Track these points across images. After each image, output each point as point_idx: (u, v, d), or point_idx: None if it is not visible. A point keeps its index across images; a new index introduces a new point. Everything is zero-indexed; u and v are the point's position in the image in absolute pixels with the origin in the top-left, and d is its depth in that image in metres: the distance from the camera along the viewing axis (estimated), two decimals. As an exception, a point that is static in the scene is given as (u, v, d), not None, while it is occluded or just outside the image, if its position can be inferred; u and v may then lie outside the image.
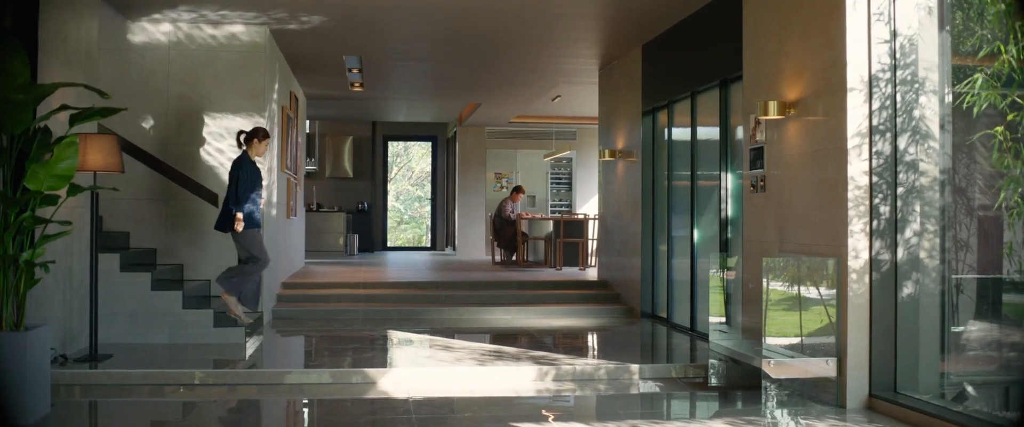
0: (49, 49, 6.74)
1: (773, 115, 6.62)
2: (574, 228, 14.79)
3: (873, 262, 5.84)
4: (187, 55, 9.28)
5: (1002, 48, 5.35)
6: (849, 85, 5.86)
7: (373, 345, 8.36)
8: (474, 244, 18.56)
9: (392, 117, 18.95)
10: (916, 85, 5.86)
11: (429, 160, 21.98)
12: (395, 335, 8.90)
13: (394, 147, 23.32)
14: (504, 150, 19.11)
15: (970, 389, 5.77)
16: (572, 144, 18.68)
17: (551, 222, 15.19)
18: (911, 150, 5.85)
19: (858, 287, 5.84)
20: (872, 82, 5.87)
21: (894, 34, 5.88)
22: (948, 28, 5.86)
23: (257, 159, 8.26)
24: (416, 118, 19.31)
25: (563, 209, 19.10)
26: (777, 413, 5.89)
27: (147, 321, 7.97)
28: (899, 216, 5.85)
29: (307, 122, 16.91)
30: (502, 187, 18.99)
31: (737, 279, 7.60)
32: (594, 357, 8.08)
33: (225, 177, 9.23)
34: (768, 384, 6.03)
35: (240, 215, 7.96)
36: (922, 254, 5.83)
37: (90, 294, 7.15)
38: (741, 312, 7.42)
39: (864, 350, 5.84)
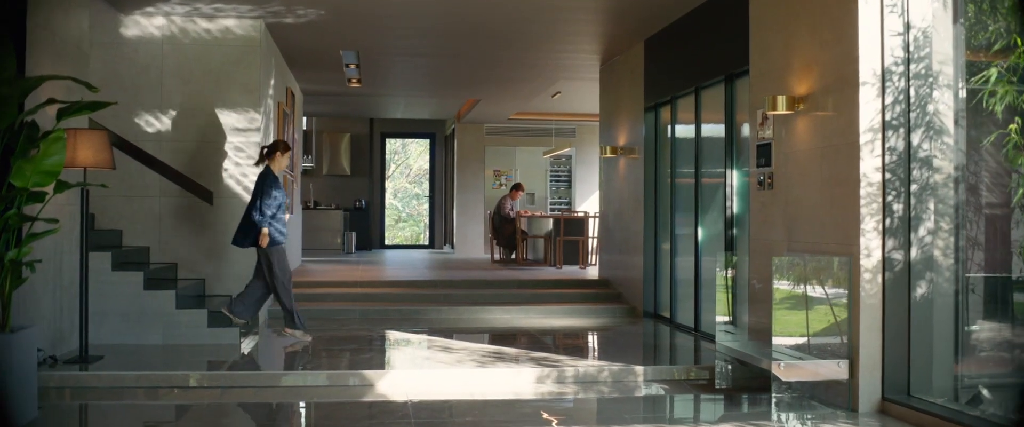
0: (37, 42, 6.55)
1: (781, 110, 6.44)
2: (574, 226, 14.63)
3: (886, 261, 5.67)
4: (181, 49, 9.10)
5: (1018, 41, 5.18)
6: (861, 79, 5.68)
7: (371, 346, 8.19)
8: (473, 242, 18.42)
9: (390, 114, 18.80)
10: (930, 79, 5.69)
11: (427, 157, 21.85)
12: (393, 335, 8.74)
13: (392, 144, 23.17)
14: (503, 147, 18.98)
15: (985, 392, 5.61)
16: (572, 141, 18.53)
17: (551, 220, 15.03)
18: (925, 146, 5.68)
19: (870, 287, 5.67)
20: (885, 76, 5.69)
21: (907, 27, 5.71)
22: (962, 20, 5.69)
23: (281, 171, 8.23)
24: (414, 115, 19.17)
25: (562, 207, 18.94)
26: (786, 417, 5.73)
27: (140, 321, 7.79)
28: (912, 214, 5.68)
29: (304, 119, 16.74)
30: (501, 184, 18.84)
31: (743, 278, 7.43)
32: (597, 358, 7.92)
33: (220, 173, 9.07)
34: (777, 387, 5.86)
35: (266, 230, 7.87)
36: (936, 253, 5.66)
37: (80, 293, 6.97)
38: (747, 312, 7.25)
39: (877, 352, 5.67)
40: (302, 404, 6.23)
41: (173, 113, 9.08)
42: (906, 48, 5.71)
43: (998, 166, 5.62)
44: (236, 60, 9.19)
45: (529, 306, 10.38)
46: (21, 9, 6.39)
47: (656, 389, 6.60)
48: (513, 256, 15.52)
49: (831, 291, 5.87)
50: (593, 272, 13.18)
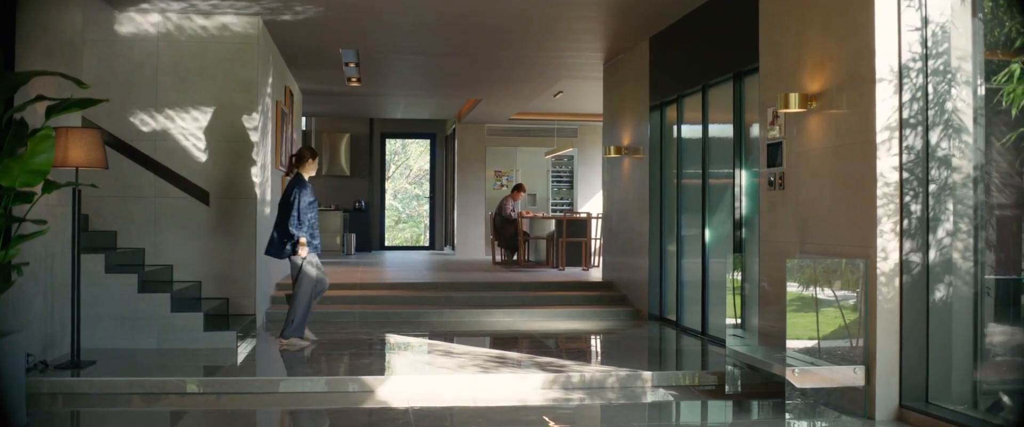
0: (28, 38, 6.36)
1: (794, 108, 6.26)
2: (577, 227, 14.44)
3: (903, 264, 5.48)
4: (176, 46, 8.91)
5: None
6: (878, 75, 5.49)
7: (371, 350, 8.01)
8: (473, 243, 18.24)
9: (390, 114, 18.64)
10: (949, 75, 5.50)
11: (428, 158, 21.69)
12: (393, 339, 8.55)
13: (392, 144, 23.02)
14: (504, 147, 18.82)
15: (1006, 398, 5.43)
16: (574, 141, 18.36)
17: (553, 221, 14.84)
18: (943, 144, 5.49)
19: (887, 290, 5.48)
20: (902, 72, 5.51)
21: (925, 21, 5.52)
22: (981, 15, 5.50)
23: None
24: (414, 115, 19.01)
25: (564, 208, 18.77)
26: (800, 424, 5.54)
27: (134, 325, 7.60)
28: (931, 215, 5.49)
29: (303, 119, 16.56)
30: (502, 185, 18.67)
31: (753, 281, 7.25)
32: (603, 363, 7.73)
33: (215, 173, 8.88)
34: (791, 393, 5.68)
35: (304, 239, 7.74)
36: (955, 255, 5.47)
37: (72, 296, 6.77)
38: (757, 315, 7.06)
39: (894, 357, 5.48)
40: (300, 410, 6.04)
41: (169, 112, 8.88)
42: (924, 43, 5.52)
43: (1012, 167, 5.44)
44: (233, 58, 9.00)
45: (532, 309, 10.19)
46: (11, 5, 6.20)
47: (664, 395, 6.41)
48: (515, 258, 15.34)
49: (846, 294, 5.68)
50: (596, 274, 12.99)
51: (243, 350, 7.71)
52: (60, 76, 5.74)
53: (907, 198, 5.49)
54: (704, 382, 6.64)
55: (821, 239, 6.10)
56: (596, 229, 14.52)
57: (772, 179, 6.81)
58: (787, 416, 5.63)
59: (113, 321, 7.57)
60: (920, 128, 5.51)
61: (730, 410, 6.08)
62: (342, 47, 10.84)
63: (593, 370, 6.82)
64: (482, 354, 7.76)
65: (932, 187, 5.49)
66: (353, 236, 18.38)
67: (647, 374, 6.64)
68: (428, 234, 21.46)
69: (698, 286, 8.66)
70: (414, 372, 6.98)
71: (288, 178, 8.12)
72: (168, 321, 7.64)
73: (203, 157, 8.91)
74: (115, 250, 8.31)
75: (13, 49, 6.05)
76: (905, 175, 5.49)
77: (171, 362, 7.17)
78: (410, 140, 23.11)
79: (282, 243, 7.86)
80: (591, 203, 18.35)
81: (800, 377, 5.52)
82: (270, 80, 9.97)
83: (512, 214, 15.22)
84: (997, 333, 5.55)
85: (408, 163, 25.62)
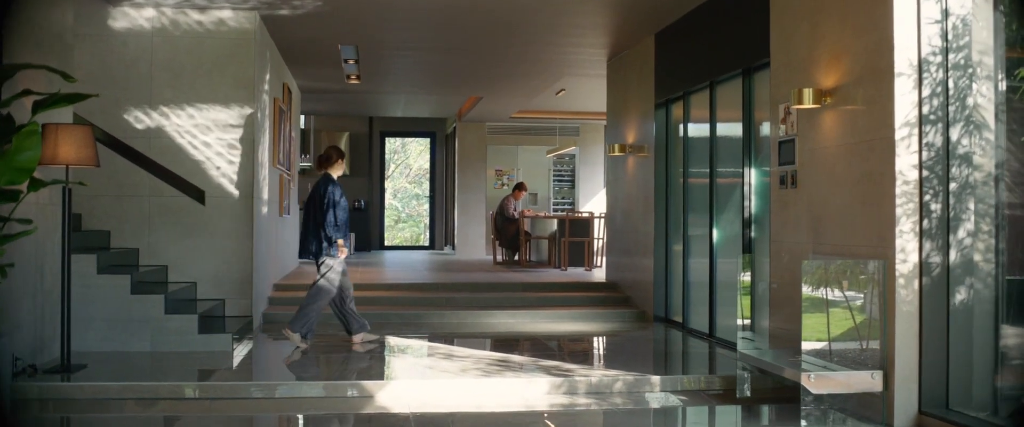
0: (17, 32, 6.15)
1: (807, 104, 6.06)
2: (579, 227, 14.25)
3: (923, 265, 5.28)
4: (172, 42, 8.71)
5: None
6: (897, 69, 5.29)
7: (370, 353, 7.81)
8: (474, 243, 18.05)
9: (390, 112, 18.46)
10: (970, 70, 5.30)
11: (428, 156, 21.51)
12: (393, 341, 8.35)
13: (392, 143, 22.84)
14: (505, 146, 18.65)
15: (1029, 405, 5.23)
16: (575, 140, 18.17)
17: (555, 221, 14.65)
18: (964, 141, 5.30)
19: (906, 293, 5.28)
20: (922, 66, 5.31)
21: (945, 13, 5.32)
22: (1003, 8, 5.31)
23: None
24: (414, 113, 18.83)
25: (566, 207, 18.59)
26: (816, 431, 5.36)
27: (126, 328, 7.39)
28: (951, 214, 5.29)
29: (301, 117, 16.36)
30: (503, 184, 18.49)
31: (764, 282, 7.05)
32: (608, 367, 7.53)
33: (212, 171, 8.69)
34: (805, 398, 5.48)
35: (342, 242, 7.68)
36: (976, 256, 5.28)
37: (62, 298, 6.56)
38: (768, 318, 6.86)
39: (913, 362, 5.29)
40: (297, 416, 5.85)
41: (164, 109, 8.68)
42: (944, 36, 5.32)
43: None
44: (230, 54, 8.80)
45: (534, 310, 10.00)
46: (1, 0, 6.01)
47: (673, 400, 6.22)
48: (516, 258, 15.15)
49: (863, 296, 5.48)
50: (599, 274, 12.80)
51: (239, 353, 7.51)
52: (47, 69, 5.53)
53: (927, 197, 5.29)
54: (713, 386, 6.44)
55: (835, 239, 5.90)
56: (599, 229, 14.33)
57: (784, 177, 6.61)
58: (802, 423, 5.43)
59: (105, 323, 7.36)
60: (940, 124, 5.31)
61: (740, 416, 5.89)
62: (341, 43, 10.65)
63: (599, 374, 6.63)
64: (484, 357, 7.57)
65: (952, 185, 5.29)
66: (352, 236, 18.19)
67: (655, 378, 6.45)
68: (428, 234, 21.29)
69: (705, 287, 8.46)
70: (415, 376, 6.78)
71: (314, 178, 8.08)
72: (162, 323, 7.44)
73: (199, 155, 8.71)
74: (108, 250, 8.12)
75: (1, 44, 5.84)
76: (925, 173, 5.29)
77: (165, 366, 6.97)
78: (410, 139, 22.94)
79: (319, 244, 7.75)
80: (592, 202, 18.16)
81: (816, 382, 5.32)
82: (267, 77, 9.77)
83: (513, 213, 15.04)
84: (1019, 336, 5.35)
85: (408, 162, 25.44)
